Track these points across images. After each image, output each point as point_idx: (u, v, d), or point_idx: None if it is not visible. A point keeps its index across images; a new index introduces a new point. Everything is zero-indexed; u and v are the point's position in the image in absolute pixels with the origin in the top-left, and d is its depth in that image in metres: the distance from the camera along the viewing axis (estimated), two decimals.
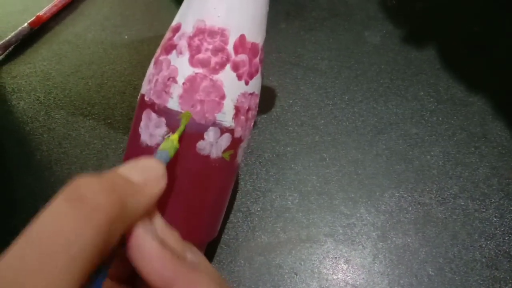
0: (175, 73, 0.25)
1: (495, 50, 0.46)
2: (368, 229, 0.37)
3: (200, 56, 0.25)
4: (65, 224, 0.15)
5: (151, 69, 0.27)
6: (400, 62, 0.46)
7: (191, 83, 0.25)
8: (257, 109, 0.29)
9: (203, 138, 0.26)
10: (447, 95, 0.44)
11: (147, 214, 0.19)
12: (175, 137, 0.23)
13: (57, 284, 0.14)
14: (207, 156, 0.26)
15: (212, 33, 0.25)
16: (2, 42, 0.46)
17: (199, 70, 0.25)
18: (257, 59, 0.27)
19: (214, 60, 0.25)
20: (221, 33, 0.25)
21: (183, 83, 0.25)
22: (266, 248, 0.36)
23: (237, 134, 0.27)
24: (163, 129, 0.25)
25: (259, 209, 0.37)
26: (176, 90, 0.25)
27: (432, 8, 0.50)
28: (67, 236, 0.14)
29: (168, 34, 0.27)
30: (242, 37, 0.26)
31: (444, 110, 0.43)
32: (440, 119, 0.42)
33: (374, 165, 0.40)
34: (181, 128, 0.24)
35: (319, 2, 0.50)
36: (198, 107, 0.25)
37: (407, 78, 0.45)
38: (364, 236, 0.36)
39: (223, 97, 0.25)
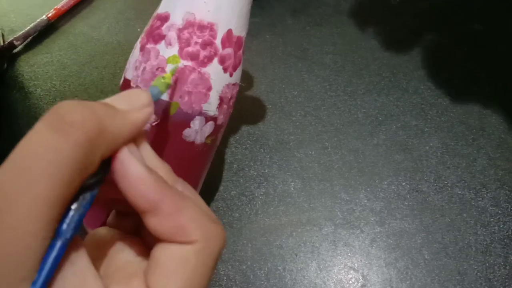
0: (163, 63, 0.26)
1: (495, 47, 0.48)
2: (367, 214, 0.38)
3: (190, 49, 0.26)
4: (42, 144, 0.15)
5: (136, 55, 0.28)
6: (402, 57, 0.47)
7: (180, 74, 0.26)
8: (236, 96, 0.31)
9: (189, 126, 0.27)
10: (447, 89, 0.45)
11: (134, 142, 0.19)
12: (168, 74, 0.23)
13: (37, 206, 0.14)
14: (192, 143, 0.28)
15: (201, 27, 0.26)
16: (21, 33, 0.49)
17: (188, 63, 0.26)
18: (240, 52, 0.29)
19: (202, 53, 0.26)
20: (210, 28, 0.26)
21: (174, 77, 0.26)
22: (268, 230, 0.37)
23: (220, 121, 0.29)
24: (152, 117, 0.27)
25: (262, 193, 0.39)
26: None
27: (435, 6, 0.51)
28: (44, 155, 0.14)
29: (154, 22, 0.28)
30: (229, 32, 0.27)
31: (444, 104, 0.44)
32: (440, 112, 0.44)
33: (374, 154, 0.41)
34: (175, 67, 0.25)
35: (326, 0, 0.51)
36: (186, 98, 0.27)
37: (409, 73, 0.46)
38: (363, 221, 0.38)
39: (209, 88, 0.27)
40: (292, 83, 0.45)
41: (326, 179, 0.40)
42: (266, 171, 0.40)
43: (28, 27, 0.49)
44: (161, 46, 0.26)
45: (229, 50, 0.27)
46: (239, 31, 0.28)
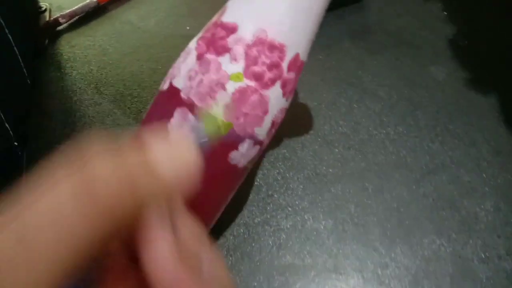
0: (225, 79, 0.24)
1: None
2: (401, 272, 0.34)
3: (256, 68, 0.24)
4: (65, 213, 0.12)
5: (191, 63, 0.25)
6: (462, 103, 0.43)
7: (241, 95, 0.24)
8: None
9: (237, 149, 0.25)
10: (508, 147, 0.41)
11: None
12: (227, 123, 0.21)
13: (38, 279, 0.12)
14: (235, 166, 0.26)
15: (272, 47, 0.24)
16: (68, 11, 0.47)
17: (251, 83, 0.24)
18: (299, 77, 0.27)
19: (268, 75, 0.24)
20: (281, 49, 0.24)
21: (233, 93, 0.24)
22: (289, 269, 0.34)
23: (264, 145, 0.27)
24: (201, 136, 0.24)
25: (288, 226, 0.36)
26: (223, 97, 0.24)
27: (504, 53, 0.47)
28: (67, 232, 0.12)
29: (217, 30, 0.25)
30: (297, 56, 0.25)
31: (502, 163, 0.40)
32: (497, 171, 0.39)
33: (418, 206, 0.37)
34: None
35: (387, 27, 0.48)
36: (241, 120, 0.24)
37: (468, 122, 0.42)
38: (395, 279, 0.34)
39: (266, 112, 0.25)
40: (340, 111, 0.42)
41: (361, 223, 0.36)
42: (297, 202, 0.37)
43: (76, 7, 0.47)
44: (225, 59, 0.24)
45: (292, 75, 0.25)
46: (304, 56, 0.26)
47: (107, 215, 0.13)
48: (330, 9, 0.27)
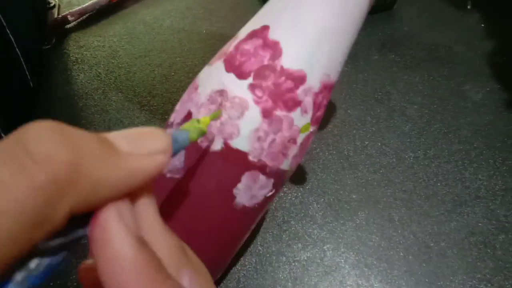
0: (296, 134, 0.22)
1: None
2: None
3: (318, 113, 0.23)
4: None
5: (257, 122, 0.21)
6: (500, 128, 0.39)
7: (306, 142, 0.23)
8: None
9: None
10: None
11: (132, 197, 0.14)
12: (205, 119, 0.18)
13: None
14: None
15: (331, 88, 0.23)
16: (78, 8, 0.44)
17: (314, 128, 0.23)
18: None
19: (322, 115, 0.24)
20: (333, 86, 0.23)
21: (301, 143, 0.23)
22: None
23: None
24: (269, 189, 0.23)
25: (306, 258, 0.32)
26: (293, 151, 0.23)
27: None
28: None
29: (282, 81, 0.21)
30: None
31: None
32: None
33: (449, 241, 0.34)
34: (217, 113, 0.21)
35: (420, 40, 0.44)
36: (299, 161, 0.25)
37: (506, 149, 0.38)
38: None
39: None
40: (366, 130, 0.39)
41: (385, 258, 0.33)
42: (316, 231, 0.34)
43: (87, 4, 0.44)
44: (296, 114, 0.22)
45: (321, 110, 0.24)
46: (333, 81, 0.24)
47: (38, 174, 0.11)
48: None
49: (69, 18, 0.44)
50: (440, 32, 0.45)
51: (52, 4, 0.45)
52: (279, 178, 0.23)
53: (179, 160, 0.22)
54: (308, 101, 0.22)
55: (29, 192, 0.10)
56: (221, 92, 0.22)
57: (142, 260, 0.12)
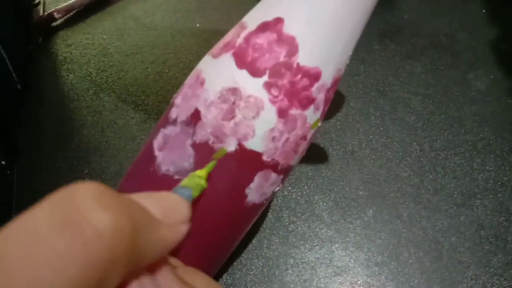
0: (308, 131, 0.22)
1: None
2: None
3: (327, 108, 0.23)
4: (39, 255, 0.10)
5: (273, 122, 0.21)
6: (506, 117, 0.38)
7: (313, 136, 0.23)
8: None
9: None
10: None
11: (150, 267, 0.14)
12: (202, 173, 0.19)
13: None
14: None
15: (339, 81, 0.23)
16: (64, 5, 0.42)
17: (321, 123, 0.23)
18: None
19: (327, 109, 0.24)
20: (338, 82, 0.23)
21: (309, 138, 0.23)
22: None
23: None
24: (277, 184, 0.23)
25: (314, 259, 0.31)
26: (303, 147, 0.23)
27: None
28: (38, 274, 0.09)
29: (298, 78, 0.20)
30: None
31: None
32: None
33: (459, 236, 0.33)
34: (212, 164, 0.20)
35: (422, 28, 0.43)
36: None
37: None
38: None
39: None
40: (369, 123, 0.37)
41: (395, 256, 0.32)
42: (323, 231, 0.32)
43: (73, 0, 0.42)
44: (310, 111, 0.21)
45: None
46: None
47: (96, 251, 0.10)
48: None
49: (56, 15, 0.41)
50: (442, 20, 0.43)
51: (36, 1, 0.43)
52: (287, 174, 0.24)
53: (188, 162, 0.21)
54: (321, 98, 0.21)
55: (87, 271, 0.10)
56: (234, 91, 0.20)
57: None
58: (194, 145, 0.21)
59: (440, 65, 0.41)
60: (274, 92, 0.20)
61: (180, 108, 0.22)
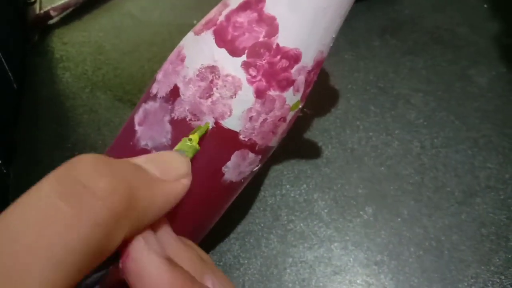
0: (287, 112, 0.22)
1: None
2: None
3: (308, 90, 0.23)
4: (50, 215, 0.11)
5: (250, 102, 0.21)
6: (508, 113, 0.38)
7: (293, 118, 0.23)
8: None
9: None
10: None
11: (152, 225, 0.15)
12: (195, 137, 0.20)
13: None
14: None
15: (321, 64, 0.22)
16: (60, 3, 0.42)
17: (301, 105, 0.23)
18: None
19: (309, 92, 0.23)
20: (321, 64, 0.23)
21: (289, 121, 0.23)
22: None
23: None
24: (256, 164, 0.24)
25: (313, 258, 0.31)
26: (282, 128, 0.23)
27: None
28: (51, 235, 0.11)
29: (278, 60, 0.20)
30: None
31: None
32: None
33: (460, 234, 0.32)
34: (203, 128, 0.21)
35: (423, 24, 0.42)
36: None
37: None
38: None
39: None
40: (369, 120, 0.37)
41: (396, 255, 0.31)
42: (322, 230, 0.32)
43: None
44: (289, 93, 0.21)
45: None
46: None
47: (98, 211, 0.12)
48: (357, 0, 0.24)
49: (52, 13, 0.41)
50: (442, 15, 0.43)
51: (32, 0, 0.42)
52: (266, 154, 0.24)
53: (165, 138, 0.21)
54: (301, 79, 0.21)
55: (93, 228, 0.11)
56: (212, 69, 0.20)
57: (177, 279, 0.13)
58: (172, 122, 0.21)
59: (441, 61, 0.40)
60: (252, 72, 0.20)
61: (160, 84, 0.22)
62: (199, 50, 0.21)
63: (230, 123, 0.21)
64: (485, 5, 0.44)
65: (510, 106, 0.38)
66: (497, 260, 0.31)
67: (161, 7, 0.43)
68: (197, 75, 0.21)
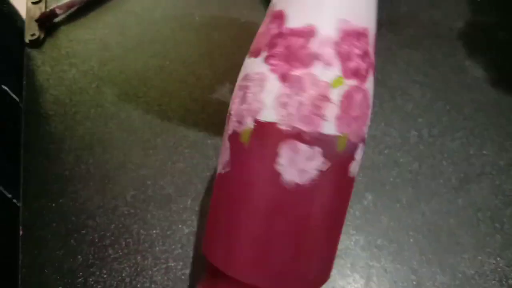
0: (327, 90, 0.20)
1: None
2: None
3: (351, 64, 0.21)
4: None
5: (278, 88, 0.21)
6: (503, 103, 0.39)
7: (348, 99, 0.21)
8: None
9: (354, 159, 0.22)
10: None
11: None
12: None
13: None
14: (353, 178, 0.23)
15: (358, 35, 0.21)
16: (66, 1, 0.43)
17: (353, 82, 0.21)
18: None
19: (363, 66, 0.22)
20: (365, 34, 0.22)
21: (341, 101, 0.21)
22: None
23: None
24: (319, 160, 0.21)
25: None
26: (332, 110, 0.21)
27: None
28: None
29: (292, 40, 0.21)
30: (375, 36, 0.23)
31: None
32: None
33: (457, 218, 0.33)
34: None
35: (420, 19, 0.43)
36: (354, 126, 0.22)
37: (509, 124, 0.38)
38: None
39: (369, 106, 0.23)
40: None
41: (395, 239, 0.32)
42: None
43: None
44: (318, 68, 0.21)
45: (374, 56, 0.23)
46: (375, 32, 0.23)
47: None
48: None
49: (57, 11, 0.42)
50: (438, 9, 0.44)
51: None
52: (327, 147, 0.21)
53: (226, 155, 0.23)
54: (328, 52, 0.21)
55: None
56: (245, 77, 0.22)
57: None
58: (229, 138, 0.23)
59: (438, 54, 0.41)
60: (273, 61, 0.21)
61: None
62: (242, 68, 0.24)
63: (266, 115, 0.21)
64: (479, 0, 0.45)
65: (503, 96, 0.39)
66: (493, 242, 0.32)
67: (163, 5, 0.45)
68: (238, 89, 0.23)
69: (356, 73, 0.21)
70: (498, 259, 0.32)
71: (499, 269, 0.31)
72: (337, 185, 0.22)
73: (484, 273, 0.31)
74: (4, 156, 0.33)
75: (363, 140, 0.23)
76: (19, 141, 0.35)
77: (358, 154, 0.23)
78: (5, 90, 0.38)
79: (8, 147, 0.35)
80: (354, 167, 0.23)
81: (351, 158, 0.22)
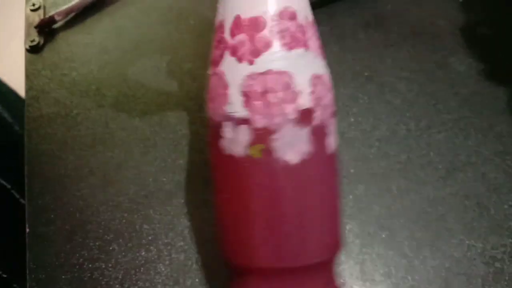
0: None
1: None
2: (431, 276, 0.32)
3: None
4: None
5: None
6: (485, 96, 0.41)
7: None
8: (291, 88, 0.24)
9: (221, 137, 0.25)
10: None
11: None
12: None
13: None
14: (231, 156, 0.25)
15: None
16: (64, 8, 0.44)
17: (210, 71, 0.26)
18: (262, 33, 0.24)
19: (216, 53, 0.25)
20: (220, 24, 0.25)
21: None
22: None
23: (259, 123, 0.24)
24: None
25: None
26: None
27: None
28: None
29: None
30: (237, 19, 0.24)
31: None
32: None
33: (446, 205, 0.35)
34: None
35: (405, 18, 0.45)
36: (210, 106, 0.26)
37: (492, 116, 0.40)
38: (425, 283, 0.32)
39: (225, 86, 0.24)
40: (358, 106, 0.40)
41: (387, 226, 0.34)
42: None
43: (73, 3, 0.44)
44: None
45: (240, 37, 0.24)
46: (251, 12, 0.24)
47: None
48: None
49: (56, 18, 0.43)
50: (423, 8, 0.46)
51: (36, 6, 0.45)
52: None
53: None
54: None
55: None
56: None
57: None
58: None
59: (423, 51, 0.43)
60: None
61: None
62: None
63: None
64: (461, 0, 0.47)
65: (486, 89, 0.41)
66: (480, 228, 0.34)
67: (158, 9, 0.46)
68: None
69: (212, 62, 0.26)
70: (485, 242, 0.34)
71: (486, 252, 0.33)
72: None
73: (472, 256, 0.33)
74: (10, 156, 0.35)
75: (226, 118, 0.25)
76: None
77: (228, 133, 0.25)
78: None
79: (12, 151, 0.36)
80: (223, 144, 0.25)
81: (218, 136, 0.25)
